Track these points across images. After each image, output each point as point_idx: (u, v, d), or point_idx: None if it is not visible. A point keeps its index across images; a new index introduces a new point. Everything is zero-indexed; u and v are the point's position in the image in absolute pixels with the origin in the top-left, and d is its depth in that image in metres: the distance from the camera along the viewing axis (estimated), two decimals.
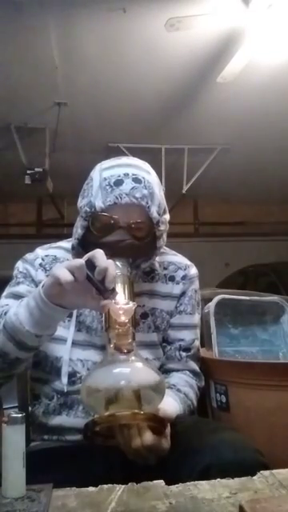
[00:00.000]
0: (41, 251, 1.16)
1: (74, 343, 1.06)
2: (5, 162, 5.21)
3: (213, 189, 6.45)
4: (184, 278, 1.17)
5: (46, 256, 1.14)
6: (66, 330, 1.07)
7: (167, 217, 1.10)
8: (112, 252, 0.98)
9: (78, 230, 1.04)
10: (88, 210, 1.01)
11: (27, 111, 4.33)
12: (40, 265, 1.12)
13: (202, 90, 4.01)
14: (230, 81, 3.46)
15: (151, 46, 3.38)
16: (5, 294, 1.11)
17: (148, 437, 0.83)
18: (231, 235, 7.26)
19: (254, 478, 0.74)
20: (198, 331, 1.21)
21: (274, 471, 0.76)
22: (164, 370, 1.13)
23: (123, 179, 1.00)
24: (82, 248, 1.05)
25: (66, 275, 0.80)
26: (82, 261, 0.82)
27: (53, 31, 3.20)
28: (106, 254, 0.97)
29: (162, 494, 0.69)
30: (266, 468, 0.81)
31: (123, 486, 0.71)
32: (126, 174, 1.01)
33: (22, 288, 1.09)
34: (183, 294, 1.17)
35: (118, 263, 0.96)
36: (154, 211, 1.01)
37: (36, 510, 0.63)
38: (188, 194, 5.63)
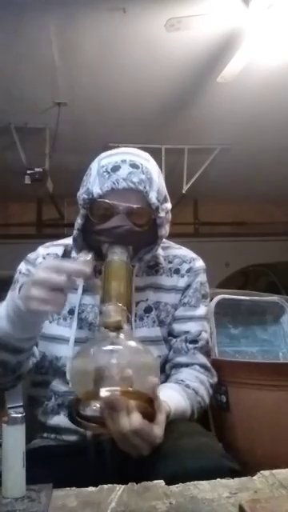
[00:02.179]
0: (42, 250, 1.16)
1: (76, 341, 1.04)
2: (5, 162, 5.21)
3: (213, 189, 6.45)
4: (189, 270, 1.15)
5: (48, 254, 1.14)
6: (67, 329, 1.06)
7: (169, 205, 1.08)
8: (112, 239, 0.98)
9: (78, 220, 1.04)
10: (86, 197, 1.00)
11: (27, 111, 4.33)
12: (41, 264, 1.12)
13: (201, 90, 4.01)
14: (230, 81, 3.46)
15: (151, 46, 3.38)
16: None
17: (136, 418, 0.77)
18: (231, 235, 7.26)
19: (254, 478, 0.74)
20: (206, 324, 1.15)
21: (274, 471, 0.75)
22: (172, 365, 1.10)
23: (120, 165, 0.99)
24: (83, 239, 1.05)
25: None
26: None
27: (53, 31, 3.20)
28: (106, 242, 0.98)
29: (162, 493, 0.69)
30: (234, 473, 0.78)
31: (123, 485, 0.71)
32: (124, 161, 1.00)
33: None
34: (188, 286, 1.14)
35: (116, 250, 0.95)
36: (152, 197, 0.99)
37: (36, 509, 0.63)
38: (188, 194, 5.62)
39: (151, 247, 1.06)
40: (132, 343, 0.80)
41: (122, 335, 0.80)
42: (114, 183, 0.98)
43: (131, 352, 0.79)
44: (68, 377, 0.97)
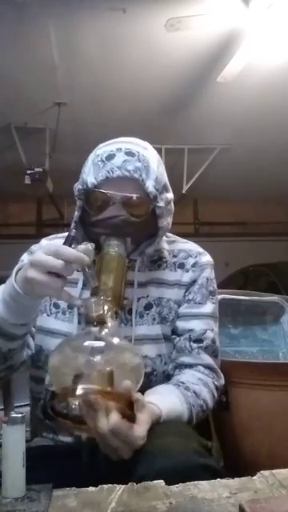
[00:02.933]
0: (45, 241, 1.16)
1: None
2: (5, 162, 5.21)
3: (213, 189, 6.44)
4: (194, 265, 1.09)
5: None
6: (65, 324, 1.04)
7: (170, 195, 1.04)
8: (108, 230, 0.95)
9: (75, 213, 1.02)
10: (81, 187, 0.99)
11: (27, 111, 4.33)
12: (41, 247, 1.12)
13: (201, 90, 4.01)
14: (230, 81, 3.46)
15: (151, 46, 3.37)
16: None
17: (114, 418, 0.72)
18: (231, 235, 7.25)
19: (254, 477, 0.74)
20: (213, 322, 1.09)
21: (274, 471, 0.75)
22: (175, 366, 1.05)
23: (115, 153, 0.97)
24: (84, 233, 1.03)
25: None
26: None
27: (53, 31, 3.19)
28: (102, 233, 0.96)
29: (162, 493, 0.69)
30: (208, 468, 0.75)
31: (123, 485, 0.71)
32: (119, 149, 0.98)
33: None
34: (193, 282, 1.08)
35: (111, 242, 0.93)
36: (149, 185, 0.96)
37: (36, 510, 0.63)
38: (188, 194, 5.62)
39: (153, 240, 1.03)
40: (115, 340, 0.76)
41: (105, 330, 0.76)
42: (108, 172, 0.95)
43: (112, 349, 0.75)
44: (48, 372, 0.93)
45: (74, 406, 0.74)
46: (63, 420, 0.75)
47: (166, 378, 1.05)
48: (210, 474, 0.75)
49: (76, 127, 4.69)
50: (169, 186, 1.05)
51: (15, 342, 0.92)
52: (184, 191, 5.49)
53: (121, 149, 0.99)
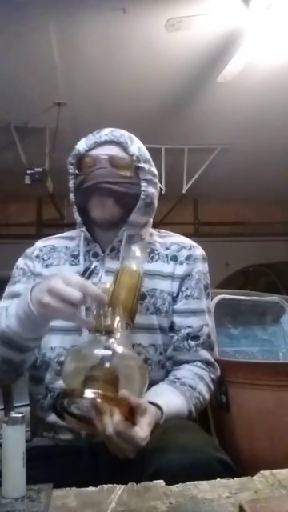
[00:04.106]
0: (40, 242, 1.19)
1: (68, 330, 1.03)
2: (5, 162, 5.21)
3: (213, 189, 6.44)
4: (188, 258, 1.12)
5: (44, 246, 1.16)
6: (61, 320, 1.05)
7: (154, 170, 1.13)
8: (94, 181, 1.04)
9: (70, 183, 1.13)
10: (73, 153, 1.11)
11: (27, 111, 4.33)
12: (37, 256, 1.14)
13: (201, 90, 4.01)
14: (230, 81, 3.46)
15: (151, 46, 3.37)
16: (5, 293, 1.12)
17: (117, 420, 0.77)
18: (231, 235, 7.26)
19: (254, 478, 0.74)
20: (208, 317, 1.12)
21: (274, 471, 0.75)
22: (174, 363, 1.08)
23: (104, 129, 1.11)
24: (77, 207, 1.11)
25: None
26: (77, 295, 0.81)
27: (53, 31, 3.19)
28: (91, 188, 1.05)
29: (162, 493, 0.69)
30: (223, 463, 0.79)
31: (123, 486, 0.71)
32: (108, 130, 1.11)
33: (18, 287, 1.10)
34: (188, 276, 1.11)
35: (133, 249, 0.97)
36: (133, 149, 1.08)
37: (36, 510, 0.63)
38: (188, 194, 5.62)
39: (138, 207, 1.09)
40: (121, 349, 0.81)
41: (113, 340, 0.81)
42: (97, 138, 1.09)
43: (118, 358, 0.80)
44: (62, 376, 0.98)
45: (81, 407, 0.80)
46: (70, 418, 0.81)
47: (162, 367, 1.08)
48: (225, 468, 0.78)
49: (76, 127, 4.69)
50: (152, 163, 1.14)
51: (27, 354, 0.96)
52: (184, 191, 5.49)
53: (109, 130, 1.11)
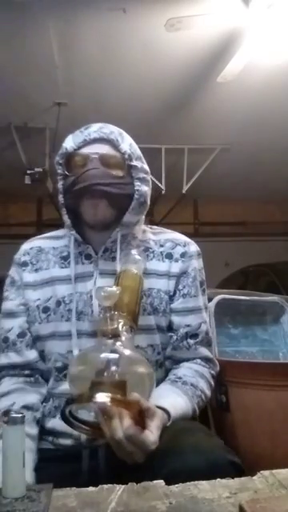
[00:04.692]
0: (25, 245, 1.15)
1: (62, 334, 1.03)
2: (5, 162, 5.21)
3: (213, 189, 6.44)
4: (183, 255, 1.10)
5: (31, 249, 1.13)
6: (62, 323, 1.04)
7: (146, 167, 1.09)
8: (87, 182, 0.99)
9: (58, 184, 1.06)
10: (60, 152, 1.05)
11: (27, 111, 4.33)
12: (24, 263, 1.11)
13: (201, 90, 4.01)
14: (230, 80, 3.46)
15: (151, 46, 3.37)
16: (2, 310, 1.11)
17: (127, 424, 0.77)
18: (231, 235, 7.26)
19: (254, 478, 0.74)
20: (205, 313, 1.12)
21: (274, 471, 0.75)
22: (173, 361, 1.08)
23: (92, 125, 1.06)
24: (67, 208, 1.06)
25: None
26: None
27: (53, 31, 3.19)
28: (82, 189, 1.00)
29: (162, 493, 0.69)
30: (235, 465, 0.79)
31: (123, 486, 0.71)
32: (97, 127, 1.06)
33: (12, 305, 1.09)
34: (184, 273, 1.09)
35: (133, 253, 0.97)
36: (124, 146, 1.03)
37: (36, 509, 0.63)
38: (188, 194, 5.62)
39: (132, 207, 1.05)
40: (128, 352, 0.81)
41: (119, 343, 0.81)
42: (86, 136, 1.03)
43: (126, 361, 0.80)
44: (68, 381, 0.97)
45: (90, 412, 0.80)
46: (79, 424, 0.80)
47: (160, 367, 1.07)
48: (236, 470, 0.79)
49: (76, 127, 4.68)
50: (144, 160, 1.10)
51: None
52: (184, 191, 5.49)
53: (97, 125, 1.07)
